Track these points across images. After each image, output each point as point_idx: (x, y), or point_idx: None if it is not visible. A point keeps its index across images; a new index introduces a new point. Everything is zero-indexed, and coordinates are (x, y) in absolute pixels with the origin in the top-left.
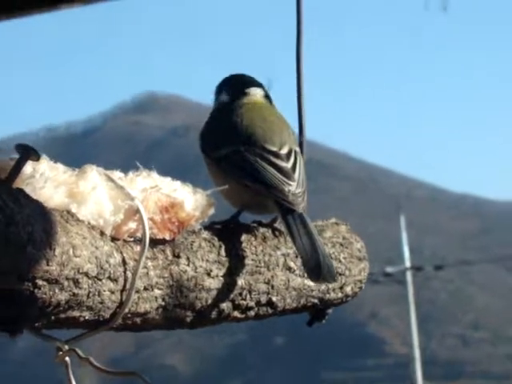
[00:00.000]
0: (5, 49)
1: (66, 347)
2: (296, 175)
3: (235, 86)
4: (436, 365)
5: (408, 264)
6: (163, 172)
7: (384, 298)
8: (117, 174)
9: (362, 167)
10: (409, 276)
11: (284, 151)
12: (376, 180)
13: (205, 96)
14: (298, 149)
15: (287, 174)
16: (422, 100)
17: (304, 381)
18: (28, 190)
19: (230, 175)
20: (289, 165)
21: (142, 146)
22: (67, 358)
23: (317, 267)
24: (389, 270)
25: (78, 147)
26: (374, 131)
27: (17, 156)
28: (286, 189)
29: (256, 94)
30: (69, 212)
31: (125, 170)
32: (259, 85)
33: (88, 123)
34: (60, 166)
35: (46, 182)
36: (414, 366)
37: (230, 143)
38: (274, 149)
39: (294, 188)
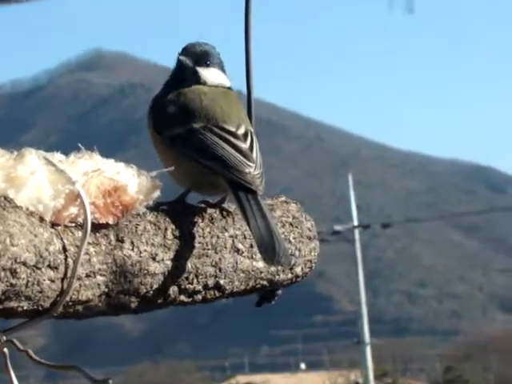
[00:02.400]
0: None
1: (4, 338)
2: (254, 156)
3: (195, 59)
4: (383, 322)
5: (356, 222)
6: (110, 131)
7: (331, 256)
8: (57, 157)
9: (309, 125)
10: (357, 234)
11: (241, 131)
12: (323, 139)
13: (152, 53)
14: (252, 129)
15: (246, 155)
16: (369, 59)
17: (252, 338)
18: None
19: (184, 154)
20: (247, 145)
21: (88, 104)
22: (5, 349)
23: (272, 251)
24: (337, 228)
25: (23, 105)
26: (322, 90)
27: None
28: (246, 170)
29: (215, 73)
30: (6, 198)
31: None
32: (218, 59)
33: (33, 81)
34: None
35: None
36: (361, 323)
37: (186, 122)
38: (232, 128)
39: (253, 169)
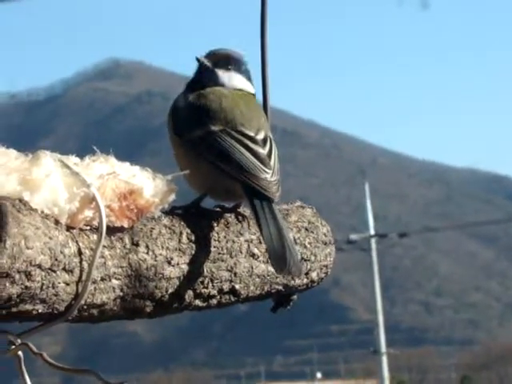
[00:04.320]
0: None
1: (19, 341)
2: (272, 163)
3: (215, 62)
4: (399, 331)
5: (372, 231)
6: (126, 138)
7: (347, 265)
8: (72, 160)
9: (326, 134)
10: (373, 243)
11: (260, 137)
12: (340, 147)
13: (167, 62)
14: (272, 136)
15: (264, 161)
16: (386, 68)
17: (267, 348)
18: None
19: (202, 157)
20: (265, 151)
21: (104, 113)
22: (20, 353)
23: (283, 260)
24: (353, 237)
25: (40, 114)
26: (339, 98)
27: None
28: (263, 176)
29: (236, 77)
30: (21, 200)
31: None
32: (243, 65)
33: (50, 90)
34: (12, 152)
35: None
36: (377, 333)
37: (205, 124)
38: (251, 133)
39: (270, 176)
